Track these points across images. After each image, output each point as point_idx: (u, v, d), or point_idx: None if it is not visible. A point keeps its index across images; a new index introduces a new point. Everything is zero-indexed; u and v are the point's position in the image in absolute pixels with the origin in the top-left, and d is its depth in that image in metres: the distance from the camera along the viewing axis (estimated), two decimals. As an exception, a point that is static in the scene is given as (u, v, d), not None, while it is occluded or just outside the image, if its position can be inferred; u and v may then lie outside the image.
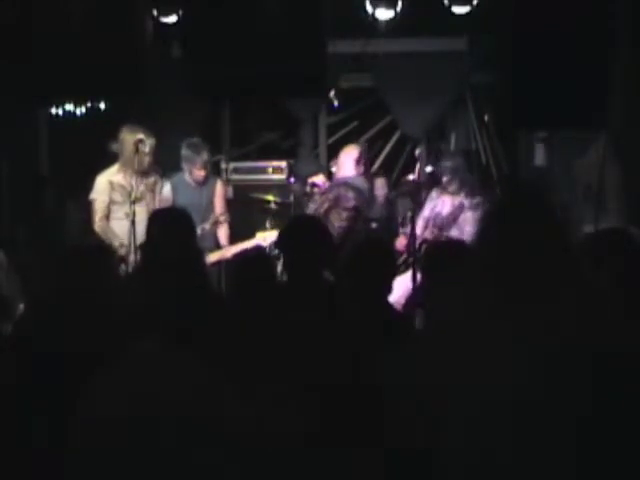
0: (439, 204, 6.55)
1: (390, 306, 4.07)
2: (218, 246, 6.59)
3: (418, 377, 2.50)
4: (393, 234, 6.79)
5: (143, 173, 6.41)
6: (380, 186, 7.68)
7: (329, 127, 9.04)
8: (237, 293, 4.03)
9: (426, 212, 6.60)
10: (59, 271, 3.55)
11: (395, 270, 4.24)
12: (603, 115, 6.04)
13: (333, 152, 7.77)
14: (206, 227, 6.31)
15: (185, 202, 6.29)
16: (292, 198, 7.16)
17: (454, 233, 6.40)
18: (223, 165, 8.08)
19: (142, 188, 6.40)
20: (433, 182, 6.73)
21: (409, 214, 6.27)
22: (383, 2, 6.46)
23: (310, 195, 6.81)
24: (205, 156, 6.55)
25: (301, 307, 3.46)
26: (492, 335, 2.37)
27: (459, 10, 6.37)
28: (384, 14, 6.50)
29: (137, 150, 6.24)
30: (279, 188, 7.58)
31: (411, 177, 6.82)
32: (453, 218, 6.45)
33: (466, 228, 6.36)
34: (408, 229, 6.27)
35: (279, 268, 4.74)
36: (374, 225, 6.65)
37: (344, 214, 6.34)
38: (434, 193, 6.64)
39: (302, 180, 7.28)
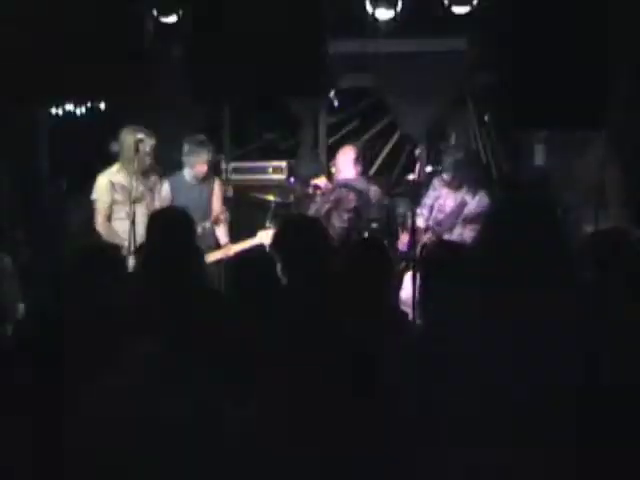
0: (442, 195, 6.57)
1: (390, 305, 4.07)
2: (218, 245, 6.60)
3: (418, 377, 2.50)
4: (393, 234, 6.79)
5: (143, 173, 6.42)
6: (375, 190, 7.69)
7: (329, 127, 9.02)
8: (237, 293, 4.02)
9: (429, 200, 6.61)
10: (73, 270, 3.54)
11: (393, 269, 4.22)
12: (603, 115, 6.04)
13: (333, 152, 7.76)
14: (206, 225, 6.33)
15: (184, 201, 6.29)
16: (292, 198, 7.17)
17: (457, 232, 6.43)
18: (223, 165, 8.08)
19: (142, 188, 6.40)
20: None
21: (409, 214, 6.28)
22: (383, 2, 6.46)
23: (311, 196, 6.83)
24: (209, 151, 6.59)
25: (300, 307, 3.46)
26: (491, 335, 2.36)
27: (459, 10, 6.37)
28: (384, 14, 6.50)
29: (137, 150, 6.24)
30: (279, 188, 7.57)
31: (411, 177, 6.82)
32: (455, 216, 6.46)
33: (467, 228, 6.38)
34: (408, 229, 6.30)
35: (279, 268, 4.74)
36: (374, 225, 6.65)
37: (345, 215, 6.38)
38: (436, 182, 6.65)
39: (302, 180, 7.28)
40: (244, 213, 7.41)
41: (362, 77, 8.47)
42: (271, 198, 7.01)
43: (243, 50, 6.44)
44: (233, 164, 8.12)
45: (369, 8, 6.48)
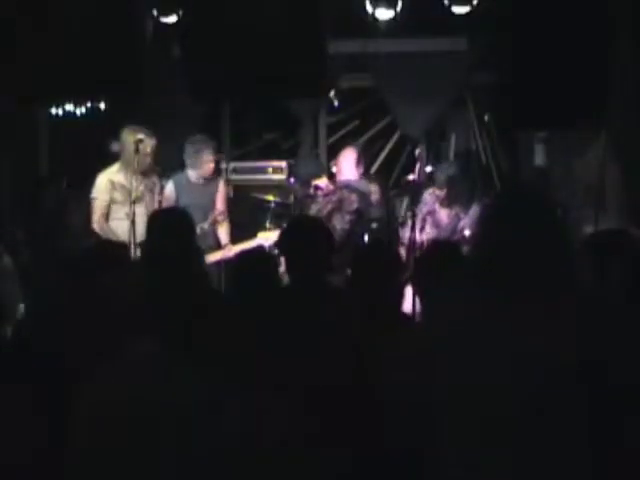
0: (436, 210, 6.56)
1: (395, 308, 4.06)
2: (219, 245, 6.59)
3: (418, 377, 2.50)
4: (393, 234, 6.79)
5: (143, 173, 6.42)
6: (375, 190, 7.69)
7: (329, 127, 9.04)
8: (237, 293, 4.02)
9: (420, 215, 6.56)
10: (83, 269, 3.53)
11: (400, 273, 4.21)
12: (603, 115, 6.04)
13: (333, 152, 7.78)
14: (205, 226, 6.31)
15: (188, 201, 6.30)
16: (292, 198, 7.17)
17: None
18: (223, 165, 8.09)
19: (142, 188, 6.40)
20: (433, 182, 6.75)
21: (409, 214, 6.29)
22: (383, 2, 6.46)
23: (313, 197, 6.83)
24: (214, 150, 6.61)
25: (302, 308, 3.45)
26: (491, 336, 2.36)
27: (459, 10, 6.37)
28: (384, 14, 6.50)
29: (137, 150, 6.24)
30: (279, 188, 7.58)
31: (411, 177, 6.83)
32: (451, 231, 6.47)
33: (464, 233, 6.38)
34: (408, 229, 6.30)
35: (281, 269, 4.74)
36: (374, 225, 6.65)
37: (347, 217, 6.40)
38: (427, 196, 6.62)
39: (302, 180, 7.28)
40: (244, 213, 7.41)
41: (362, 77, 8.48)
42: (271, 198, 7.02)
43: (243, 50, 6.44)
44: (233, 164, 8.12)
45: (369, 8, 6.48)
